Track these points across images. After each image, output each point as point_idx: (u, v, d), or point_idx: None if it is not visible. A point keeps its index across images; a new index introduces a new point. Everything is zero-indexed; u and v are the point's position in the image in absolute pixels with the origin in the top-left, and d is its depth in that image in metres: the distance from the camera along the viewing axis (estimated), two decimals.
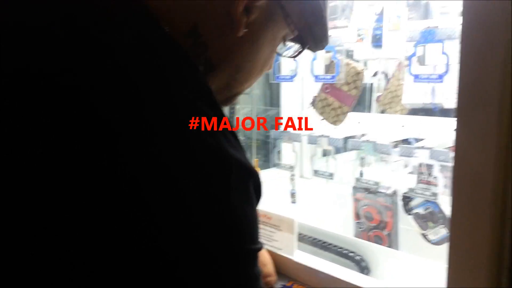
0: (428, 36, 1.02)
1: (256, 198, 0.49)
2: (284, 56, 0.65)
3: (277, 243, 1.09)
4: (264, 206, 1.13)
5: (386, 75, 1.38)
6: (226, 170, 0.44)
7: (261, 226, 1.11)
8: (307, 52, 0.64)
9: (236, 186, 0.44)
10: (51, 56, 0.43)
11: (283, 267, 1.07)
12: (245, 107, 1.80)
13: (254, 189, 0.48)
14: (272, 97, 2.07)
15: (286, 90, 1.75)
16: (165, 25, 0.49)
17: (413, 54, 1.05)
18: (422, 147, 1.11)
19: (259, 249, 0.49)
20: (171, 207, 0.41)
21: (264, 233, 1.11)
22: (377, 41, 1.07)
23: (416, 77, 1.05)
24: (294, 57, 0.64)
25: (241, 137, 1.69)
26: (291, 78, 1.31)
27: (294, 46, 0.64)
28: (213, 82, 0.55)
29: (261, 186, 0.50)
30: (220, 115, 0.47)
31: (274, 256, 1.08)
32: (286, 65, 1.40)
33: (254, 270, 0.49)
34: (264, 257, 1.02)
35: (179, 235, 0.41)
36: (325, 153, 1.40)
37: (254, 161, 1.55)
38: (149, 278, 0.40)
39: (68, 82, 0.41)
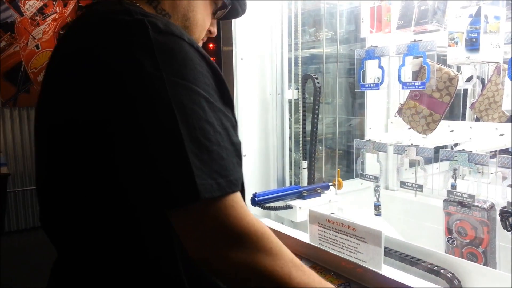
0: None
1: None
2: (216, 18, 0.87)
3: (362, 256, 1.05)
4: (347, 217, 1.11)
5: (482, 80, 1.29)
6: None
7: (344, 236, 1.09)
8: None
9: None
10: None
11: (369, 280, 1.03)
12: (327, 116, 1.77)
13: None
14: (355, 106, 2.03)
15: (371, 99, 1.71)
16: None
17: None
18: None
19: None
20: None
21: (348, 245, 1.08)
22: (472, 45, 1.01)
23: None
24: (222, 18, 0.88)
25: (322, 147, 1.67)
26: (376, 86, 1.28)
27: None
28: None
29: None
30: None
31: (360, 269, 1.05)
32: (371, 73, 1.36)
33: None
34: None
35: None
36: (412, 164, 1.34)
37: (337, 171, 1.52)
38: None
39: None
